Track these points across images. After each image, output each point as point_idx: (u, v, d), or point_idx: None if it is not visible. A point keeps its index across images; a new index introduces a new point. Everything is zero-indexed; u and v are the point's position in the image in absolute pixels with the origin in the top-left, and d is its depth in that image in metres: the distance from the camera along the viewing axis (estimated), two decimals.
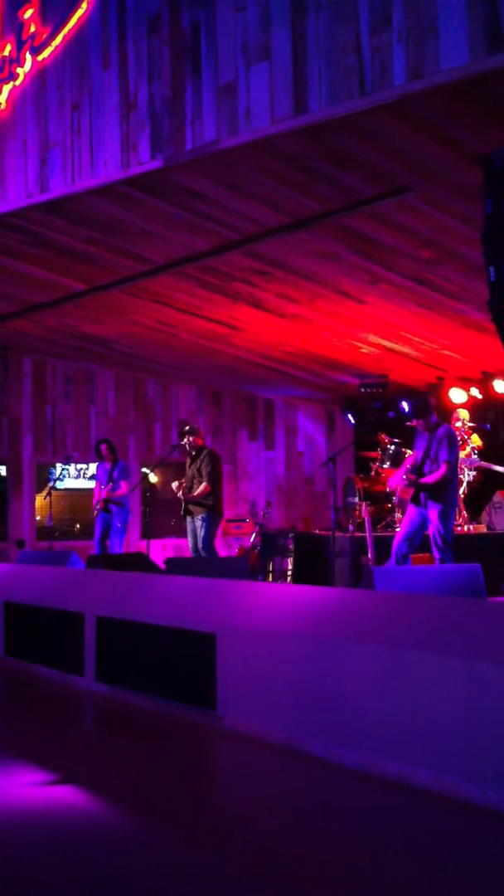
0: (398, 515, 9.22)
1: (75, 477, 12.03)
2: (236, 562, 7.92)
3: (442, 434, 7.41)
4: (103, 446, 10.49)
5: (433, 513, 7.30)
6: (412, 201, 6.28)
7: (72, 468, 11.63)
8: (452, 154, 5.54)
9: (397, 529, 9.25)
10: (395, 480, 7.69)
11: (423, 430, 7.55)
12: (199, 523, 9.32)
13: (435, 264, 7.48)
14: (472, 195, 5.66)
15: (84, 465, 12.17)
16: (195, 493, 9.30)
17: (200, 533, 9.30)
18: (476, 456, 9.73)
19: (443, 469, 7.27)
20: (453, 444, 7.40)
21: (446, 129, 5.28)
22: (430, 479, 7.31)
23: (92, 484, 11.33)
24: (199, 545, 9.30)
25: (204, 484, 9.28)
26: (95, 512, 10.38)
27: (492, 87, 4.74)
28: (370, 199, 6.27)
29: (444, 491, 7.33)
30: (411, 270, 7.68)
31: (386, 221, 6.67)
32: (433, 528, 7.32)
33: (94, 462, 12.01)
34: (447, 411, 10.49)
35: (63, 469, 11.53)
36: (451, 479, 7.37)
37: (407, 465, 7.76)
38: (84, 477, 12.20)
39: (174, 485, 9.42)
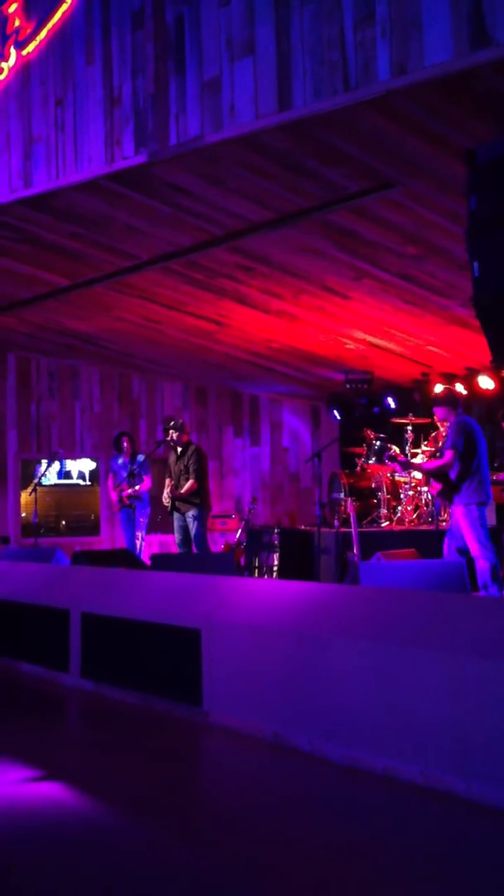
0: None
1: (59, 475, 11.95)
2: (222, 558, 7.91)
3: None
4: (124, 440, 10.40)
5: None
6: (397, 197, 6.29)
7: (53, 465, 11.50)
8: (437, 150, 5.55)
9: (384, 524, 9.27)
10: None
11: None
12: (190, 521, 9.31)
13: (420, 260, 7.49)
14: (457, 191, 5.67)
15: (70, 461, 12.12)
16: (182, 491, 9.30)
17: (193, 530, 9.28)
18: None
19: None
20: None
21: (431, 126, 5.29)
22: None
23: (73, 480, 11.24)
24: (193, 542, 9.29)
25: (191, 481, 9.28)
26: (118, 507, 10.28)
27: (476, 83, 4.75)
28: (355, 195, 6.27)
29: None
30: (396, 266, 7.69)
31: (371, 217, 6.68)
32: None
33: (78, 458, 11.98)
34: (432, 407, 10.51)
35: (49, 465, 11.45)
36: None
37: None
38: (70, 476, 12.12)
39: (164, 495, 9.42)
